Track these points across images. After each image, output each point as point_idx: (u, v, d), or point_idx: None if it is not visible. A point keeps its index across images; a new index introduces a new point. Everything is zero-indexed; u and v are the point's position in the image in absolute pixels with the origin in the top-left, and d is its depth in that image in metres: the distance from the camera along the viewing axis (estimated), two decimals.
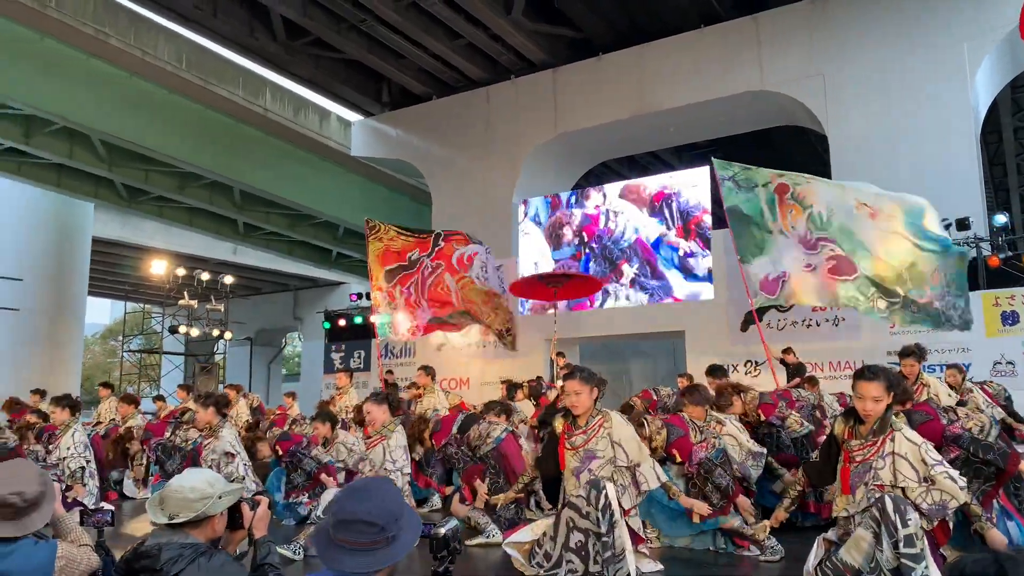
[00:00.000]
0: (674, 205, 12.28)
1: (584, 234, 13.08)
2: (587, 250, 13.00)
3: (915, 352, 6.16)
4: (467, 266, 11.40)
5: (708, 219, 12.02)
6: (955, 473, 3.41)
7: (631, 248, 12.60)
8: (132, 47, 13.55)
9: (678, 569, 4.76)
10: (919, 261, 7.23)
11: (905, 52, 11.20)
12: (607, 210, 12.91)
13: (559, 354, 10.00)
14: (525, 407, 8.37)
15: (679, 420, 5.10)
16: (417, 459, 6.94)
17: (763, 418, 5.83)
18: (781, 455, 5.72)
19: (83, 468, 6.07)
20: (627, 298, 12.64)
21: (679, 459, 4.91)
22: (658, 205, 12.43)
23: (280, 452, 6.57)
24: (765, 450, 5.33)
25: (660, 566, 4.58)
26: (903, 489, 3.39)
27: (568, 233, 13.17)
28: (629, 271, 12.60)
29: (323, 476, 6.24)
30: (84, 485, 6.04)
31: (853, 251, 7.24)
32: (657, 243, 12.38)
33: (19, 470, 2.39)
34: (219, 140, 15.75)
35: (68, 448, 6.06)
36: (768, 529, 4.54)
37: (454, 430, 6.19)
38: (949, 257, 7.47)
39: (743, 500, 4.90)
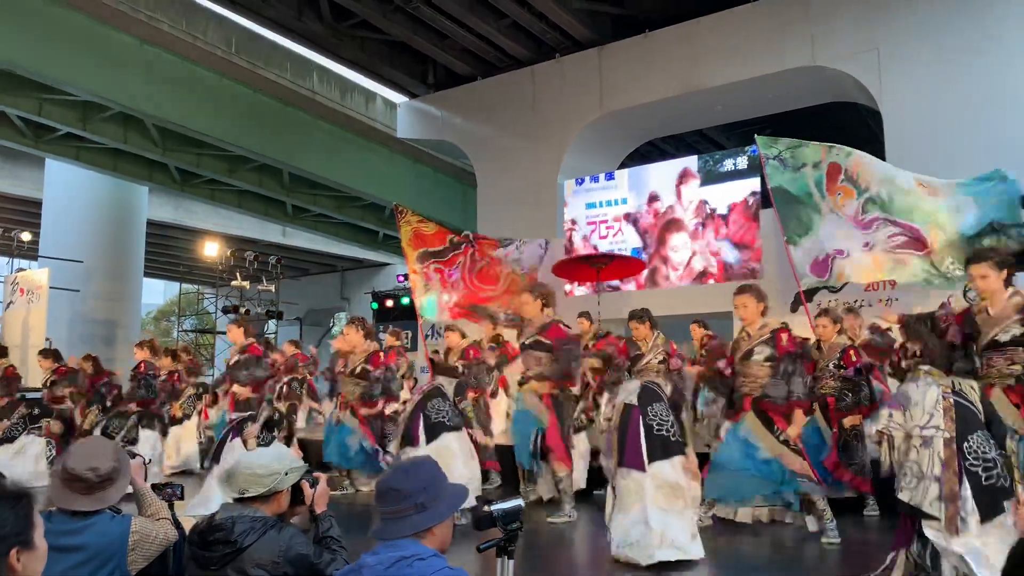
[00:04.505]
0: None
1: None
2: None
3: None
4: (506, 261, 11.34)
5: None
6: None
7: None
8: (183, 33, 13.81)
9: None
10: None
11: (963, 24, 10.81)
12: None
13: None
14: None
15: None
16: None
17: (846, 365, 5.87)
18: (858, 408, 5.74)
19: None
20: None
21: (784, 342, 5.14)
22: None
23: None
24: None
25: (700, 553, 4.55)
26: None
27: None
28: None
29: None
30: None
31: (928, 217, 6.95)
32: None
33: (95, 446, 2.50)
34: (268, 123, 15.98)
35: None
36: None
37: None
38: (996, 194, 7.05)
39: (800, 414, 5.04)
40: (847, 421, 5.74)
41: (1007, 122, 10.30)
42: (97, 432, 7.93)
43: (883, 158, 8.98)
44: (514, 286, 11.13)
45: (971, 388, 3.62)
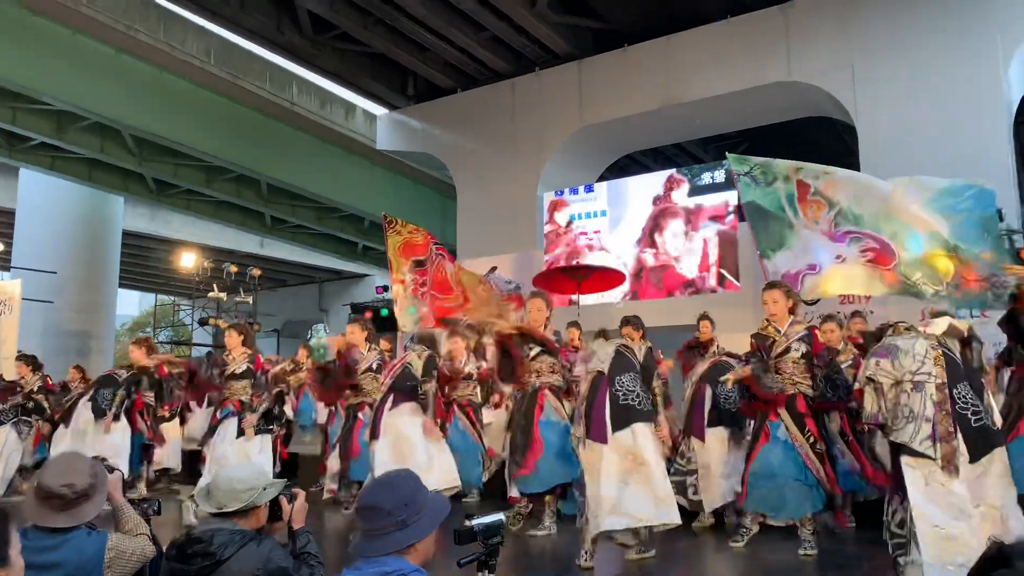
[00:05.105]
0: None
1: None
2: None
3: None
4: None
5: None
6: None
7: None
8: (161, 43, 13.72)
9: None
10: (961, 237, 6.93)
11: (937, 42, 11.04)
12: None
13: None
14: None
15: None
16: None
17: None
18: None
19: None
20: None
21: (820, 339, 5.20)
22: None
23: None
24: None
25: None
26: None
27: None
28: None
29: None
30: None
31: (894, 234, 7.01)
32: None
33: (71, 462, 2.47)
34: (246, 134, 15.91)
35: None
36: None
37: None
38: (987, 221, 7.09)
39: (836, 415, 5.20)
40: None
41: (980, 138, 10.50)
42: (82, 405, 7.67)
43: (859, 172, 9.09)
44: (469, 293, 11.09)
45: (953, 343, 3.82)
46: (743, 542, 5.19)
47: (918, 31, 11.18)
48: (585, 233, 13.46)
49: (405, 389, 6.01)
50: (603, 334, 7.56)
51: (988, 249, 6.78)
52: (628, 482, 4.46)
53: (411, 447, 5.75)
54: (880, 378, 3.73)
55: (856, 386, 3.92)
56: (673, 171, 13.23)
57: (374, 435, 5.87)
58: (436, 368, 6.28)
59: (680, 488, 5.80)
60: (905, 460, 3.61)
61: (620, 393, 4.58)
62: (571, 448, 5.46)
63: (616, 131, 14.29)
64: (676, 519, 4.56)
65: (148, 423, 7.79)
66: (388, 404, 5.92)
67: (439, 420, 6.72)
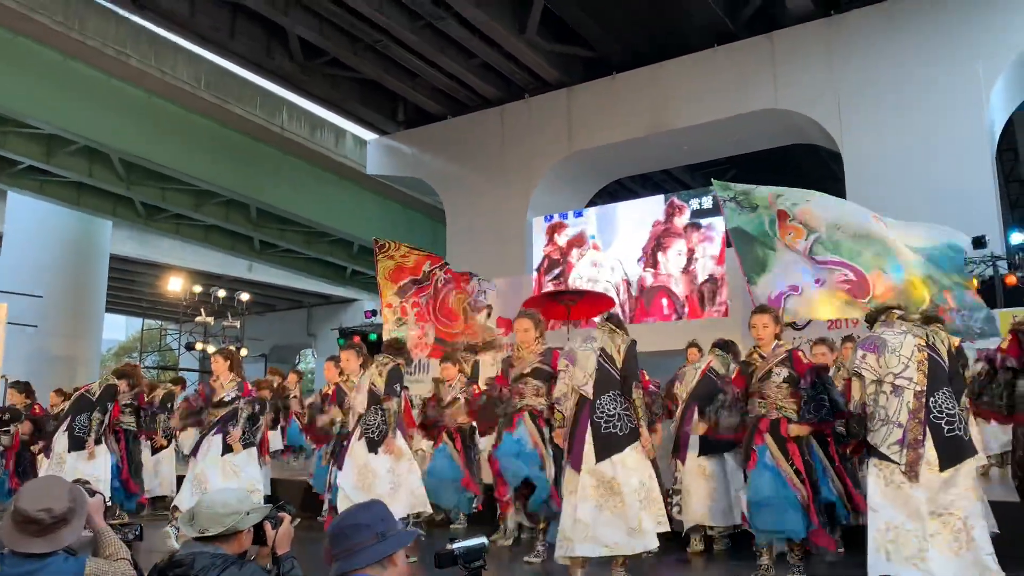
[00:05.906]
0: None
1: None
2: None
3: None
4: (470, 291, 11.30)
5: None
6: None
7: None
8: (152, 68, 13.78)
9: None
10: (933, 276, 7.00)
11: (919, 71, 11.21)
12: None
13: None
14: None
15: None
16: None
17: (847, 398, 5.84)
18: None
19: None
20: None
21: (804, 360, 4.98)
22: None
23: None
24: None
25: None
26: None
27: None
28: None
29: None
30: None
31: (873, 262, 7.03)
32: None
33: (48, 486, 2.42)
34: (236, 158, 15.92)
35: None
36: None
37: None
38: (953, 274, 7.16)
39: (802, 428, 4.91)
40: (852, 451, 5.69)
41: (963, 164, 10.64)
42: (59, 434, 7.51)
43: (844, 199, 9.17)
44: (472, 320, 11.06)
45: (941, 341, 3.85)
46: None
47: (902, 59, 11.36)
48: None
49: (368, 420, 5.92)
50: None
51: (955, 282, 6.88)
52: (602, 509, 4.43)
53: (375, 477, 5.67)
54: (863, 372, 3.78)
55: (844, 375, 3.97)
56: (660, 197, 13.30)
57: (339, 466, 5.81)
58: (400, 380, 5.97)
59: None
60: (872, 461, 3.70)
61: (602, 420, 4.53)
62: (526, 469, 5.44)
63: (605, 158, 14.40)
64: (652, 546, 4.49)
65: (123, 448, 7.66)
66: (357, 433, 5.86)
67: (411, 436, 6.65)
